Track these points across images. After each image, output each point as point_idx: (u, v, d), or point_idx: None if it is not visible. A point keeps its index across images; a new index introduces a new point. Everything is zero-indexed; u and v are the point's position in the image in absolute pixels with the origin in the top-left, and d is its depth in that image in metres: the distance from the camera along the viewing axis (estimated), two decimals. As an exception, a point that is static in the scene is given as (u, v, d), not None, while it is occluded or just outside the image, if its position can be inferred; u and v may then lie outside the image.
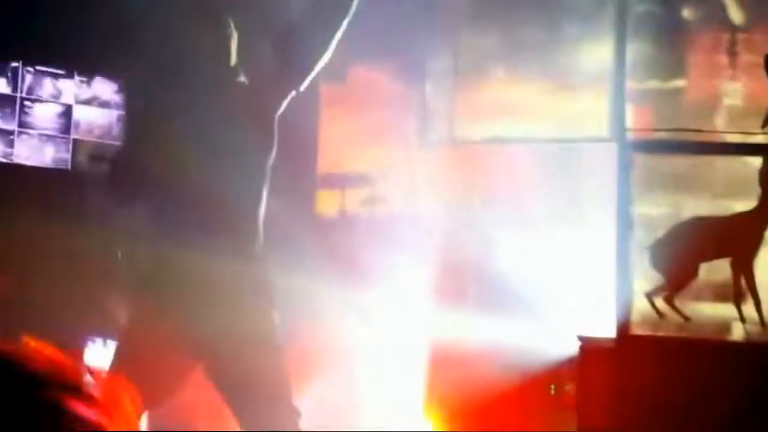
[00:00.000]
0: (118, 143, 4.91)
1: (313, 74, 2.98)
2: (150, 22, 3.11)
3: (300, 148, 5.64)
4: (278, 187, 3.22)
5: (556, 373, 4.93)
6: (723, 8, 5.30)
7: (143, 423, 3.22)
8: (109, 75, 5.17)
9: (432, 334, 5.15)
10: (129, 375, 2.90)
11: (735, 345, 4.36)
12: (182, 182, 2.82)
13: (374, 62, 6.14)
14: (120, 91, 5.12)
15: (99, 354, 4.64)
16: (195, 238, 2.74)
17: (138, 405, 1.24)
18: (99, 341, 4.74)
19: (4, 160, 5.00)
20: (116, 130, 5.06)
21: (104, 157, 5.20)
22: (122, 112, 4.99)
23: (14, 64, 5.03)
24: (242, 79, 2.97)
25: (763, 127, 3.96)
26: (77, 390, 1.05)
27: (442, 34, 6.01)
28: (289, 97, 3.01)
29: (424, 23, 5.98)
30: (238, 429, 2.70)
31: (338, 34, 2.91)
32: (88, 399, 1.05)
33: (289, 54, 2.93)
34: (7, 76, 5.04)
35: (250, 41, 3.10)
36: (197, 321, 2.69)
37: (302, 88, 3.01)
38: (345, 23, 2.92)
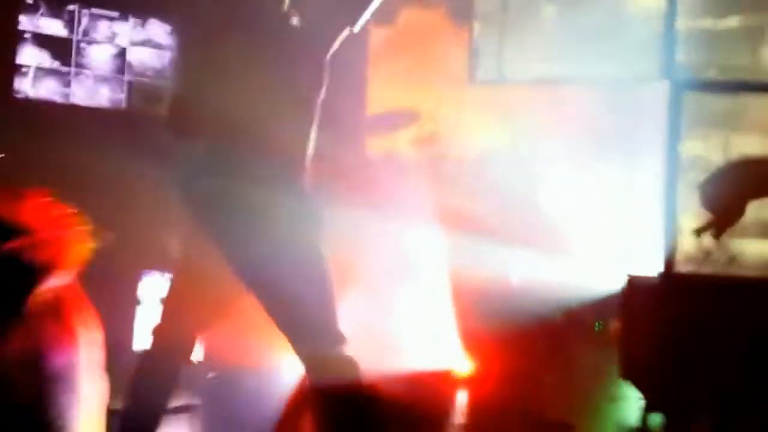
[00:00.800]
0: (172, 83, 5.01)
1: (368, 15, 2.99)
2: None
3: (350, 87, 5.70)
4: (328, 124, 3.27)
5: (602, 309, 4.98)
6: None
7: (199, 349, 3.36)
8: (162, 17, 5.26)
9: (478, 271, 5.22)
10: (183, 302, 3.03)
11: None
12: (235, 118, 2.89)
13: (423, 2, 6.15)
14: (173, 32, 5.22)
15: (156, 286, 4.82)
16: (246, 170, 2.82)
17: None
18: (156, 274, 4.91)
19: (62, 100, 5.15)
20: (170, 72, 5.17)
21: (158, 97, 5.33)
22: (176, 54, 5.08)
23: (71, 7, 5.15)
24: (295, 21, 3.00)
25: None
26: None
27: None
28: (341, 38, 3.02)
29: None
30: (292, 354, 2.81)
31: None
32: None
33: None
34: (63, 19, 5.15)
35: None
36: (248, 249, 2.79)
37: (357, 29, 3.02)
38: None
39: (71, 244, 1.25)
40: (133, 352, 4.35)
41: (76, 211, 1.31)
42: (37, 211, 1.20)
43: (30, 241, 1.15)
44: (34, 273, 1.15)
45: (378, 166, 6.12)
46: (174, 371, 3.08)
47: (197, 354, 3.38)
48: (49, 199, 1.25)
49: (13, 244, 1.12)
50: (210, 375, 4.90)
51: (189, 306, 3.03)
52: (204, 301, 3.01)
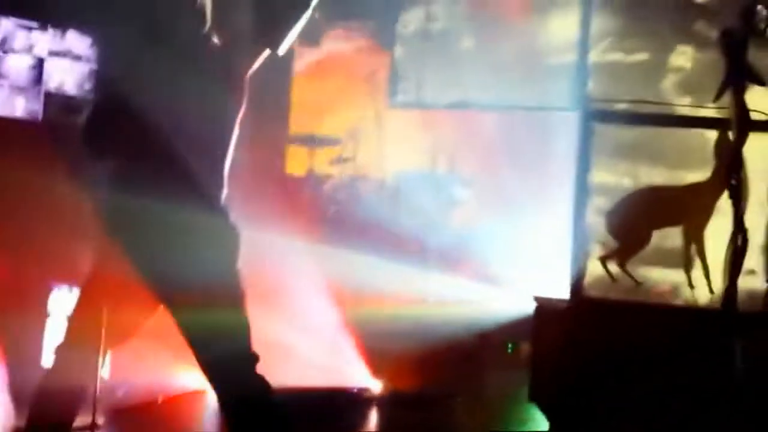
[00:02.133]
0: (90, 97, 4.95)
1: (291, 38, 3.00)
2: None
3: (272, 106, 5.73)
4: (249, 144, 3.29)
5: (515, 331, 5.09)
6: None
7: (107, 363, 3.33)
8: (82, 29, 5.21)
9: (390, 290, 5.27)
10: (91, 316, 3.01)
11: (682, 309, 4.52)
12: (152, 134, 2.89)
13: (347, 25, 6.22)
14: (93, 45, 5.17)
15: (63, 300, 4.74)
16: (162, 187, 2.82)
17: None
18: (64, 288, 4.83)
19: (-25, 111, 5.05)
20: (88, 84, 5.12)
21: (75, 109, 5.27)
22: (95, 66, 5.03)
23: (-12, 16, 5.06)
24: (215, 39, 3.01)
25: (714, 101, 4.10)
26: None
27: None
28: (261, 58, 3.04)
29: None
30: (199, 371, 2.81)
31: None
32: None
33: (269, 15, 2.95)
34: (-20, 27, 5.07)
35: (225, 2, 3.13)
36: (160, 266, 2.78)
37: (281, 52, 3.03)
38: None
39: None
40: (41, 368, 4.28)
41: None
42: None
43: None
44: None
45: (296, 185, 6.15)
46: (79, 389, 3.04)
47: (105, 371, 3.35)
48: None
49: None
50: (118, 393, 4.84)
51: (97, 322, 3.00)
52: (114, 317, 2.99)
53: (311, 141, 6.19)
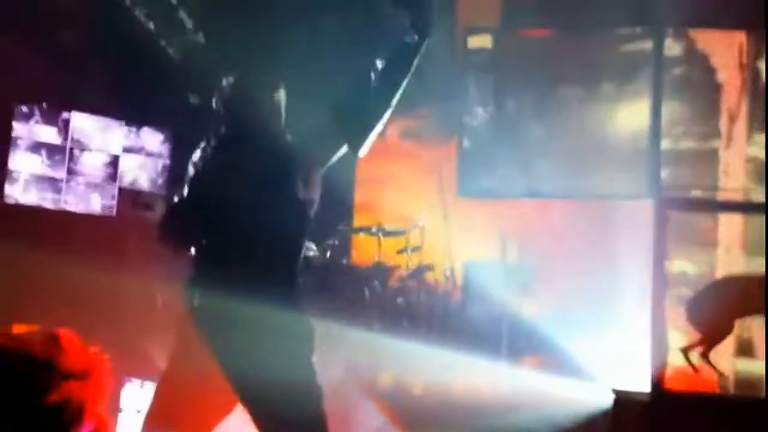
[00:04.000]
0: (165, 192, 5.04)
1: (370, 141, 3.00)
2: (207, 80, 3.22)
3: (338, 196, 5.76)
4: (317, 236, 3.29)
5: (591, 427, 4.92)
6: (756, 73, 5.38)
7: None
8: (156, 126, 5.34)
9: (461, 383, 5.16)
10: (168, 413, 2.98)
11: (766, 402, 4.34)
12: (230, 229, 2.90)
13: (414, 115, 6.26)
14: (167, 141, 5.29)
15: (136, 394, 4.74)
16: (237, 283, 2.82)
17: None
18: (136, 382, 4.83)
19: (53, 207, 5.16)
20: (161, 179, 5.22)
21: (150, 204, 5.36)
22: (169, 162, 5.14)
23: (65, 115, 5.22)
24: (289, 137, 3.03)
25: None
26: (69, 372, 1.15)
27: (480, 89, 6.13)
28: (338, 156, 3.04)
29: (462, 78, 6.11)
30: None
31: (398, 96, 2.94)
32: (79, 378, 1.15)
33: (351, 119, 2.95)
34: (57, 126, 5.22)
35: (302, 103, 3.15)
36: (237, 362, 2.76)
37: (362, 154, 3.02)
38: (405, 83, 2.93)
39: (104, 382, 1.26)
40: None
41: (99, 348, 1.32)
42: (73, 353, 1.21)
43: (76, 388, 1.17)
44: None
45: (364, 275, 6.12)
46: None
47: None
48: (76, 338, 1.26)
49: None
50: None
51: (171, 419, 2.97)
52: (188, 415, 2.95)
53: (378, 231, 6.19)
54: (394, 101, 2.93)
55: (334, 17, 5.53)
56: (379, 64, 2.95)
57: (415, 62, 2.90)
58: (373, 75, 2.93)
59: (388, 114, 2.95)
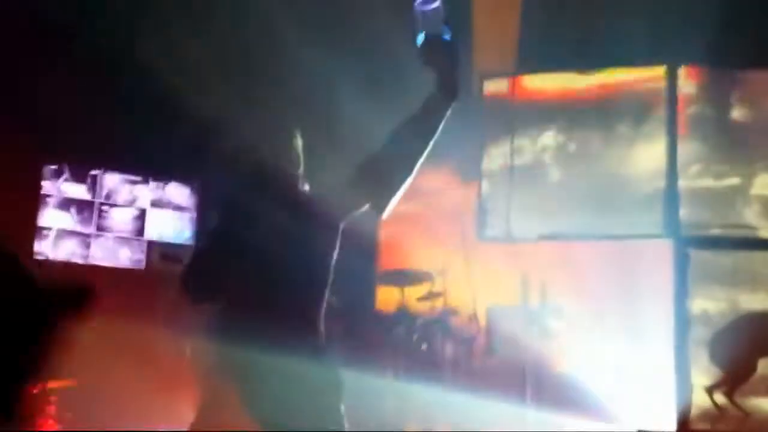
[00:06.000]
0: (191, 244, 5.11)
1: (395, 202, 3.01)
2: (227, 132, 3.28)
3: (360, 245, 5.82)
4: (339, 284, 3.31)
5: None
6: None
7: None
8: (182, 180, 5.44)
9: (488, 429, 5.16)
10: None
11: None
12: (252, 281, 2.95)
13: (431, 161, 6.31)
14: (193, 194, 5.39)
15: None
16: (262, 333, 2.86)
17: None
18: (167, 433, 4.88)
19: (81, 261, 5.27)
20: (189, 232, 5.31)
21: (177, 257, 5.44)
22: (195, 215, 5.23)
23: (94, 172, 5.35)
24: (306, 187, 3.06)
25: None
26: None
27: (497, 133, 6.19)
28: (360, 211, 3.04)
29: (479, 123, 6.18)
30: None
31: (424, 158, 2.87)
32: None
33: (376, 181, 2.96)
34: (86, 183, 5.34)
35: (321, 154, 3.17)
36: (266, 413, 2.80)
37: (385, 216, 3.04)
38: (429, 147, 2.98)
39: None
40: None
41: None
42: None
43: None
44: None
45: (388, 323, 6.15)
46: None
47: None
48: None
49: None
50: None
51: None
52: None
53: (401, 278, 6.23)
54: (420, 163, 2.91)
55: (362, 71, 5.63)
56: (405, 126, 2.95)
57: (442, 125, 2.89)
58: (398, 136, 2.92)
59: (413, 176, 2.93)
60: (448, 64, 2.97)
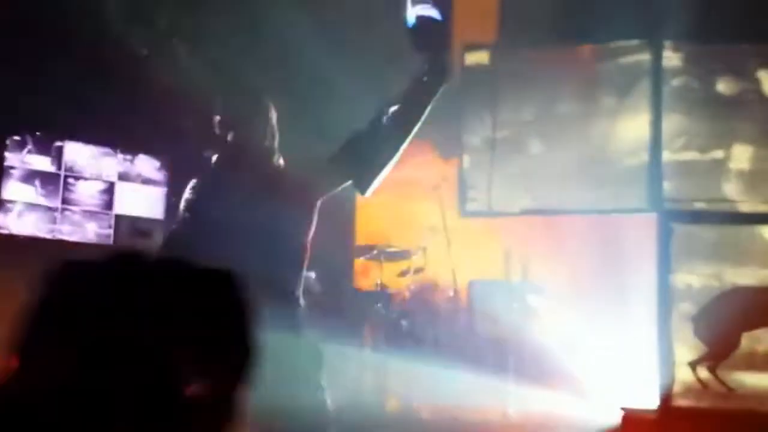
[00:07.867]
0: (161, 219, 4.98)
1: (378, 182, 2.92)
2: (198, 106, 3.17)
3: (338, 220, 5.70)
4: (317, 260, 3.23)
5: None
6: (757, 82, 5.34)
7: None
8: (151, 152, 5.29)
9: (468, 404, 5.09)
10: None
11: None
12: (227, 257, 2.85)
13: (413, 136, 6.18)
14: (163, 168, 5.23)
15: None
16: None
17: None
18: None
19: (48, 236, 5.11)
20: (159, 206, 5.16)
21: (147, 232, 5.30)
22: (166, 189, 5.08)
23: (58, 143, 5.17)
24: (281, 161, 2.98)
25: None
26: None
27: (479, 108, 6.07)
28: (339, 189, 2.96)
29: (461, 97, 6.06)
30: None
31: (410, 139, 2.81)
32: None
33: (360, 160, 2.87)
34: (51, 155, 5.17)
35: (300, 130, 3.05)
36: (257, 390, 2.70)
37: (368, 194, 2.95)
38: (418, 127, 2.83)
39: None
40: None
41: None
42: None
43: None
44: None
45: (367, 299, 6.05)
46: None
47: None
48: None
49: None
50: None
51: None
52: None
53: (380, 254, 6.12)
54: (406, 144, 2.84)
55: (353, 51, 5.49)
56: (393, 105, 2.85)
57: (430, 107, 2.80)
58: (385, 115, 2.82)
59: (398, 156, 2.86)
60: (440, 45, 2.87)
